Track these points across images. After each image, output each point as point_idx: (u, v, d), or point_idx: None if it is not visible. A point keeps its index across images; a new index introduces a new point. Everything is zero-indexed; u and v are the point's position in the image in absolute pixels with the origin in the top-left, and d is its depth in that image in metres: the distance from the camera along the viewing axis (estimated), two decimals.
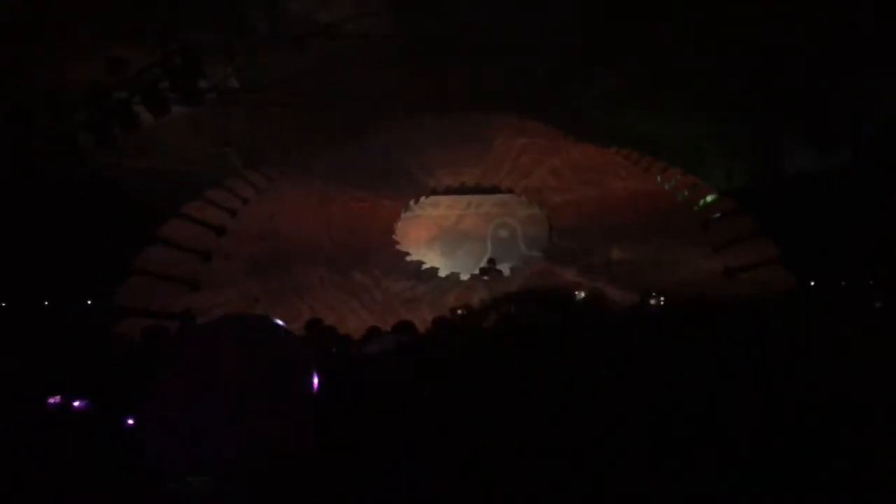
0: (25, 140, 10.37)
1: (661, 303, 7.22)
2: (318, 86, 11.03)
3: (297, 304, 9.87)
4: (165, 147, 12.03)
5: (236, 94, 11.19)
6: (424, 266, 11.85)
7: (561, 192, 12.48)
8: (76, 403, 2.58)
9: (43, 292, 10.92)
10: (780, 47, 10.25)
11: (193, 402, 1.13)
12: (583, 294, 8.79)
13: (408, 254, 12.06)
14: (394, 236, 12.29)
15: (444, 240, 14.12)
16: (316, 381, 1.25)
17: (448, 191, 13.33)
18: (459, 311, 7.27)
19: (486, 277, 11.58)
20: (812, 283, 9.91)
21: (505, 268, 12.10)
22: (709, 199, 12.25)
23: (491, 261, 12.22)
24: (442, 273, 11.81)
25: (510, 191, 13.25)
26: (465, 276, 11.77)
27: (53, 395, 2.63)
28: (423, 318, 7.60)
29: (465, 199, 14.13)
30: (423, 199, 13.23)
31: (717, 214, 11.71)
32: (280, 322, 1.34)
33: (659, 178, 12.49)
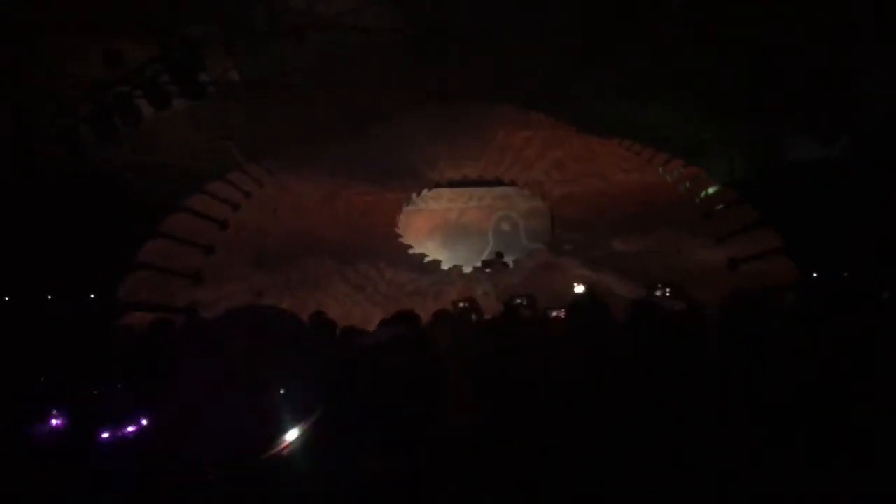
0: (26, 136, 10.36)
1: (667, 294, 7.21)
2: (319, 79, 11.00)
3: (303, 296, 9.88)
4: (166, 141, 12.01)
5: (237, 87, 11.15)
6: (427, 259, 11.86)
7: (564, 185, 12.47)
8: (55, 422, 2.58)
9: (45, 289, 10.94)
10: (781, 39, 10.20)
11: (206, 395, 1.13)
12: (583, 288, 8.78)
13: (410, 246, 12.06)
14: (396, 229, 12.30)
15: (446, 232, 14.13)
16: (327, 372, 1.25)
17: (451, 183, 13.32)
18: (462, 304, 7.25)
19: (488, 270, 11.58)
20: (815, 275, 9.88)
21: (509, 260, 12.12)
22: (711, 190, 12.23)
23: (499, 254, 12.24)
24: (444, 266, 11.82)
25: (513, 183, 13.23)
26: (467, 269, 11.78)
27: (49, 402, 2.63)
28: (427, 310, 7.59)
29: (467, 192, 14.12)
30: (425, 191, 13.23)
31: (720, 206, 11.68)
32: (293, 313, 1.33)
33: (661, 169, 12.47)
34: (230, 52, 10.56)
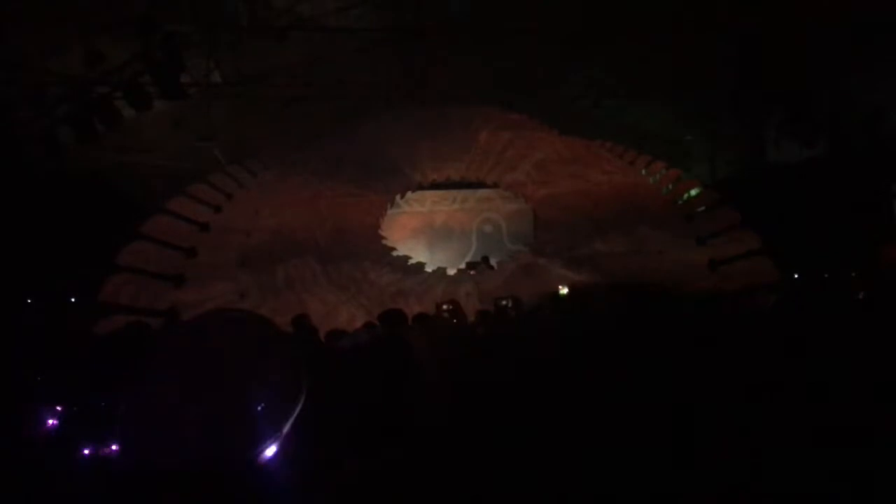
0: (5, 135, 10.21)
1: (648, 295, 7.25)
2: (301, 79, 10.94)
3: (287, 297, 9.83)
4: (147, 142, 11.87)
5: (218, 88, 11.06)
6: (411, 261, 11.85)
7: (546, 186, 12.50)
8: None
9: (22, 291, 10.75)
10: (763, 40, 10.31)
11: (180, 397, 1.11)
12: (566, 289, 8.82)
13: (395, 248, 12.05)
14: (380, 231, 12.28)
15: (430, 235, 14.13)
16: (303, 374, 1.24)
17: (434, 185, 13.31)
18: (445, 306, 7.27)
19: (472, 272, 11.60)
20: (796, 275, 9.99)
21: (494, 264, 12.16)
22: (693, 192, 12.32)
23: (485, 258, 12.30)
24: (428, 268, 11.82)
25: (495, 185, 13.25)
26: (451, 271, 11.79)
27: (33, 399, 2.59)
28: (410, 312, 7.60)
29: (450, 194, 14.13)
30: (409, 193, 13.22)
31: (702, 207, 11.78)
32: (265, 317, 1.32)
33: (644, 171, 12.55)
34: (212, 52, 10.48)
